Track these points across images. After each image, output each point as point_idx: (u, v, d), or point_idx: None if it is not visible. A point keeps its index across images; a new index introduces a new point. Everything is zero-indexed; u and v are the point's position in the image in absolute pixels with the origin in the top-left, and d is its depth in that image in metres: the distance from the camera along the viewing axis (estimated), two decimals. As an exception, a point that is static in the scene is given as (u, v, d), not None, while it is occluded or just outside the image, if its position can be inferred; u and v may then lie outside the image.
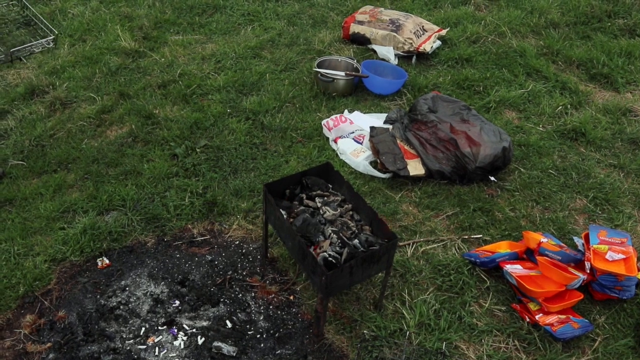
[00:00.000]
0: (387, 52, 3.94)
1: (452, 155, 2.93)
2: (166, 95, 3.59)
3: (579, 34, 4.33)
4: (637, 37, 4.29)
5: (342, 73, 3.63)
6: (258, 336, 2.21)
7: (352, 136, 3.18)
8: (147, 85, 3.68)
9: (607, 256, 2.30)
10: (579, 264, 2.37)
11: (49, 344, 2.16)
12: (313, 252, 2.07)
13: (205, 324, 2.24)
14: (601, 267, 2.26)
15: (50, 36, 2.68)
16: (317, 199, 2.32)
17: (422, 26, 4.11)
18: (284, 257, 2.53)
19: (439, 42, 4.07)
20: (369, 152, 3.08)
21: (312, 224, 2.19)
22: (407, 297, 2.36)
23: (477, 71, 3.86)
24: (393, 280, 2.42)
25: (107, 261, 2.49)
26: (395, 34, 3.97)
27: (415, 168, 2.93)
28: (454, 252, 2.57)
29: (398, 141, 3.06)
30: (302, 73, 3.83)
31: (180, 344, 2.16)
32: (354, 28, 4.13)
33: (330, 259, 2.06)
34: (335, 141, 3.18)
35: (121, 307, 2.30)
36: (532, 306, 2.28)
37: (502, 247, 2.52)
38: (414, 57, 3.98)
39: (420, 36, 4.01)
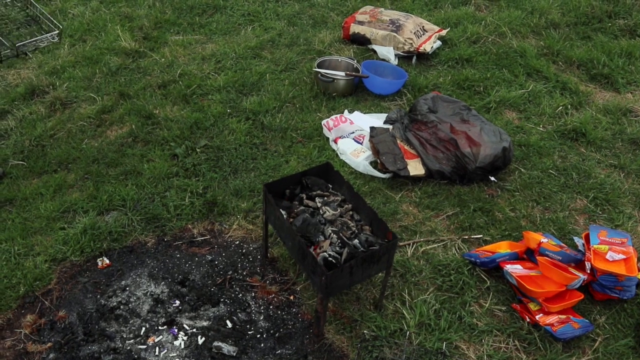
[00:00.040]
0: (387, 53, 3.94)
1: (452, 155, 2.93)
2: (166, 96, 3.60)
3: (580, 35, 4.33)
4: (638, 38, 4.29)
5: (342, 73, 3.63)
6: (258, 336, 2.21)
7: (352, 136, 3.18)
8: (147, 85, 3.68)
9: (607, 256, 2.30)
10: (579, 264, 2.37)
11: (49, 344, 2.16)
12: (313, 252, 2.07)
13: (205, 323, 2.24)
14: (601, 267, 2.26)
15: (55, 31, 2.69)
16: (317, 199, 2.32)
17: (423, 26, 4.11)
18: (284, 257, 2.53)
19: (439, 43, 4.07)
20: (369, 152, 3.08)
21: (312, 224, 2.19)
22: (407, 297, 2.35)
23: (477, 71, 3.86)
24: (393, 280, 2.42)
25: (108, 261, 2.49)
26: (395, 34, 3.97)
27: (415, 168, 2.93)
28: (454, 252, 2.57)
29: (398, 141, 3.06)
30: (302, 73, 3.83)
31: (180, 343, 2.16)
32: (354, 28, 4.13)
33: (330, 259, 2.06)
34: (335, 141, 3.18)
35: (121, 307, 2.30)
36: (532, 306, 2.28)
37: (503, 247, 2.52)
38: (414, 57, 3.98)
39: (421, 36, 4.02)
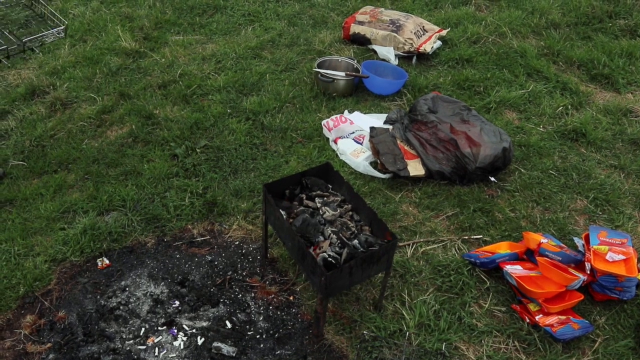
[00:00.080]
0: (387, 53, 3.94)
1: (452, 155, 2.93)
2: (166, 96, 3.60)
3: (580, 35, 4.33)
4: (638, 38, 4.29)
5: (343, 73, 3.63)
6: (258, 337, 2.21)
7: (352, 136, 3.18)
8: (147, 85, 3.69)
9: (607, 257, 2.29)
10: (579, 265, 2.37)
11: (49, 345, 2.16)
12: (313, 253, 2.07)
13: (205, 324, 2.24)
14: (601, 268, 2.25)
15: (61, 26, 2.71)
16: (316, 200, 2.32)
17: (423, 26, 4.11)
18: (283, 258, 2.53)
19: (439, 43, 4.07)
20: (369, 153, 3.08)
21: (312, 224, 2.19)
22: (406, 297, 2.35)
23: (477, 72, 3.86)
24: (393, 280, 2.42)
25: (107, 261, 2.49)
26: (395, 35, 3.97)
27: (415, 168, 2.93)
28: (453, 253, 2.57)
29: (398, 141, 3.06)
30: (303, 73, 3.83)
31: (180, 344, 2.16)
32: (355, 28, 4.13)
33: (330, 259, 2.06)
34: (335, 141, 3.18)
35: (121, 307, 2.30)
36: (532, 307, 2.28)
37: (502, 248, 2.51)
38: (414, 57, 3.98)
39: (421, 36, 4.01)
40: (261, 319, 2.28)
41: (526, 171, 3.06)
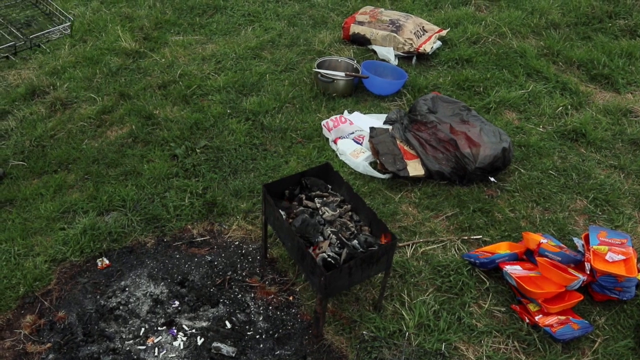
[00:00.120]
0: (387, 53, 3.94)
1: (451, 155, 2.93)
2: (166, 96, 3.60)
3: (580, 35, 4.33)
4: (638, 38, 4.29)
5: (342, 74, 3.63)
6: (257, 337, 2.21)
7: (351, 137, 3.18)
8: (147, 85, 3.69)
9: (607, 257, 2.29)
10: (579, 265, 2.37)
11: (48, 345, 2.16)
12: (312, 253, 2.07)
13: (204, 324, 2.24)
14: (601, 268, 2.25)
15: (67, 23, 2.72)
16: (316, 200, 2.32)
17: (423, 27, 4.11)
18: (283, 258, 2.53)
19: (439, 43, 4.07)
20: (368, 153, 3.08)
21: (311, 224, 2.19)
22: (406, 297, 2.35)
23: (477, 72, 3.86)
24: (392, 281, 2.42)
25: (107, 261, 2.49)
26: (395, 35, 3.97)
27: (415, 169, 2.93)
28: (453, 253, 2.57)
29: (398, 142, 3.06)
30: (302, 74, 3.83)
31: (179, 344, 2.16)
32: (354, 29, 4.13)
33: (330, 259, 2.06)
34: (335, 142, 3.18)
35: (121, 307, 2.30)
36: (531, 307, 2.28)
37: (502, 248, 2.51)
38: (414, 57, 3.98)
39: (421, 37, 4.01)
40: (261, 319, 2.28)
41: (526, 171, 3.06)
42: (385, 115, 3.36)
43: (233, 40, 4.22)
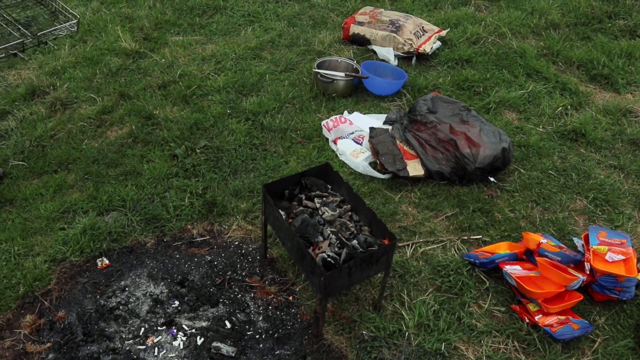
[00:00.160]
0: (386, 53, 3.95)
1: (451, 156, 2.93)
2: (166, 96, 3.60)
3: (579, 35, 4.33)
4: (638, 38, 4.29)
5: (342, 74, 3.63)
6: (257, 337, 2.21)
7: (351, 137, 3.19)
8: (147, 86, 3.69)
9: (606, 257, 2.29)
10: (579, 265, 2.37)
11: (48, 344, 2.16)
12: (312, 253, 2.07)
13: (204, 324, 2.24)
14: (601, 268, 2.25)
15: (74, 20, 2.75)
16: (316, 200, 2.33)
17: (422, 27, 4.11)
18: (283, 258, 2.53)
19: (439, 43, 4.08)
20: (368, 153, 3.08)
21: (311, 224, 2.19)
22: (406, 297, 2.35)
23: (477, 72, 3.86)
24: (392, 281, 2.42)
25: (107, 261, 2.50)
26: (395, 35, 3.97)
27: (414, 169, 2.93)
28: (453, 253, 2.57)
29: (397, 142, 3.07)
30: (302, 74, 3.83)
31: (179, 344, 2.16)
32: (354, 29, 4.13)
33: (329, 259, 2.06)
34: (334, 142, 3.19)
35: (121, 307, 2.30)
36: (531, 307, 2.28)
37: (502, 248, 2.51)
38: (414, 57, 3.98)
39: (420, 37, 4.02)
40: (260, 319, 2.28)
41: (526, 171, 3.06)
42: (385, 115, 3.36)
43: (233, 41, 4.22)
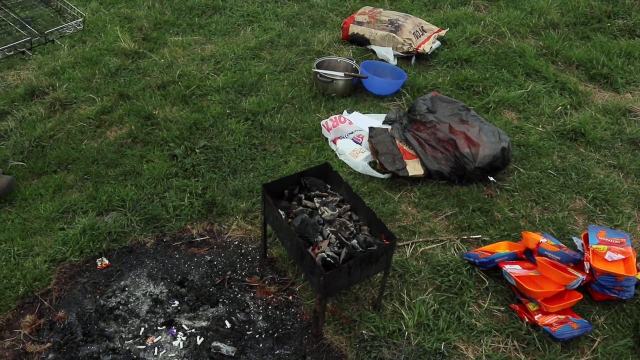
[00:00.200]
0: (386, 53, 3.95)
1: (451, 155, 2.93)
2: (166, 96, 3.60)
3: (579, 35, 4.34)
4: (637, 38, 4.30)
5: (341, 74, 3.63)
6: (257, 336, 2.21)
7: (351, 137, 3.19)
8: (146, 86, 3.69)
9: (606, 256, 2.29)
10: (578, 264, 2.37)
11: (48, 344, 2.16)
12: (311, 253, 2.07)
13: (204, 324, 2.24)
14: (600, 268, 2.26)
15: (80, 19, 2.78)
16: (315, 199, 2.33)
17: (422, 27, 4.11)
18: (282, 258, 2.53)
19: (438, 43, 4.08)
20: (368, 153, 3.08)
21: (311, 224, 2.19)
22: (406, 297, 2.36)
23: (476, 72, 3.86)
24: (392, 280, 2.42)
25: (107, 261, 2.50)
26: (394, 35, 3.97)
27: (414, 168, 2.93)
28: (453, 253, 2.57)
29: (397, 142, 3.07)
30: (302, 74, 3.84)
31: (179, 344, 2.16)
32: (353, 29, 4.13)
33: (329, 259, 2.06)
34: (334, 142, 3.19)
35: (120, 307, 2.30)
36: (531, 306, 2.28)
37: (501, 248, 2.52)
38: (413, 57, 3.98)
39: (420, 37, 4.02)
40: (260, 318, 2.28)
41: (525, 171, 3.06)
42: (385, 115, 3.36)
43: (232, 41, 4.22)
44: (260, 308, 2.32)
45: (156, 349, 2.14)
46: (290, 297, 2.37)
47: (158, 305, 2.31)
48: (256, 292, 2.39)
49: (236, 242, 2.63)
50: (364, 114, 3.42)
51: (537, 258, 2.34)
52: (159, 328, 2.22)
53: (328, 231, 2.19)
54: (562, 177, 3.03)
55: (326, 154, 3.14)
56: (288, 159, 3.10)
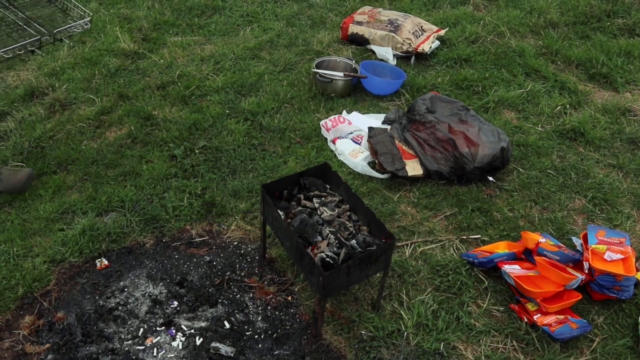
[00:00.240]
0: (385, 53, 3.95)
1: (450, 155, 2.93)
2: (165, 97, 3.60)
3: (578, 34, 4.33)
4: (637, 37, 4.29)
5: (341, 74, 3.63)
6: (256, 337, 2.21)
7: (350, 137, 3.19)
8: (146, 86, 3.69)
9: (605, 256, 2.29)
10: (578, 264, 2.37)
11: (47, 345, 2.16)
12: (310, 253, 2.07)
13: (203, 324, 2.24)
14: (600, 267, 2.25)
15: (87, 18, 2.81)
16: (314, 200, 2.33)
17: (421, 26, 4.11)
18: (282, 258, 2.53)
19: (437, 43, 4.08)
20: (367, 153, 3.08)
21: (310, 224, 2.19)
22: (405, 297, 2.36)
23: (475, 71, 3.86)
24: (391, 280, 2.42)
25: (106, 262, 2.50)
26: (393, 35, 3.97)
27: (413, 168, 2.93)
28: (452, 253, 2.57)
29: (396, 142, 3.07)
30: (301, 74, 3.84)
31: (178, 344, 2.16)
32: (353, 29, 4.13)
33: (328, 259, 2.06)
34: (333, 142, 3.19)
35: (120, 308, 2.30)
36: (530, 306, 2.28)
37: (501, 248, 2.52)
38: (413, 57, 3.98)
39: (419, 36, 4.02)
40: (259, 319, 2.28)
41: (524, 171, 3.06)
42: (384, 115, 3.36)
43: (232, 41, 4.22)
44: (260, 308, 2.32)
45: (155, 349, 2.15)
46: (290, 298, 2.37)
47: (157, 306, 2.31)
48: (255, 292, 2.39)
49: (235, 243, 2.63)
50: (363, 114, 3.42)
51: (536, 258, 2.34)
52: (158, 329, 2.22)
53: (327, 231, 2.19)
54: (561, 177, 3.03)
55: (325, 154, 3.14)
56: (287, 159, 3.10)
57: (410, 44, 3.94)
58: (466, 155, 2.89)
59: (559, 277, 2.26)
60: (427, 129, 3.07)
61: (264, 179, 2.95)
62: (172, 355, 2.13)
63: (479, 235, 2.66)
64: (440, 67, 3.95)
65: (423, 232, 2.67)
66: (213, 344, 2.15)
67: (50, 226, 2.67)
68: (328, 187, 2.43)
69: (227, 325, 2.24)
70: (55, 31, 2.70)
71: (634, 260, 2.32)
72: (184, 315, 2.28)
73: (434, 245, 2.60)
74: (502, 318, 2.30)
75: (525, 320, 2.27)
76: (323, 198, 2.35)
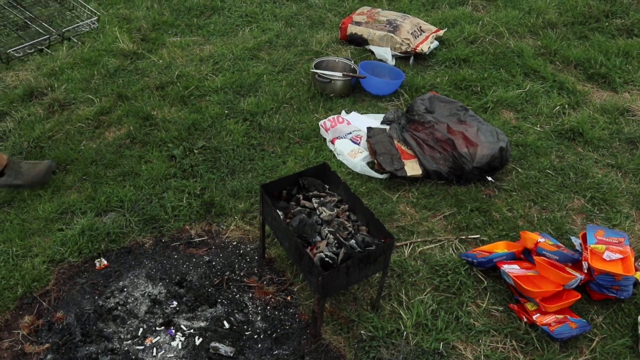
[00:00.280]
0: (384, 53, 3.95)
1: (449, 155, 2.93)
2: (164, 97, 3.60)
3: (577, 34, 4.34)
4: (635, 37, 4.30)
5: (340, 74, 3.63)
6: (255, 337, 2.21)
7: (349, 137, 3.19)
8: (145, 86, 3.69)
9: (604, 256, 2.30)
10: (577, 264, 2.37)
11: (47, 345, 2.16)
12: (310, 253, 2.07)
13: (202, 324, 2.24)
14: (599, 267, 2.26)
15: (95, 17, 2.83)
16: (313, 200, 2.33)
17: (420, 27, 4.12)
18: (281, 258, 2.53)
19: (436, 43, 4.08)
20: (366, 153, 3.08)
21: (309, 224, 2.19)
22: (404, 297, 2.36)
23: (474, 71, 3.87)
24: (390, 280, 2.42)
25: (105, 262, 2.50)
26: (392, 35, 3.97)
27: (412, 168, 2.93)
28: (451, 253, 2.57)
29: (395, 142, 3.07)
30: (300, 74, 3.84)
31: (177, 344, 2.16)
32: (352, 29, 4.14)
33: (327, 259, 2.06)
34: (332, 142, 3.19)
35: (119, 307, 2.30)
36: (529, 306, 2.28)
37: (500, 247, 2.52)
38: (412, 57, 3.99)
39: (418, 37, 4.02)
40: (259, 319, 2.28)
41: (523, 171, 3.07)
42: (383, 115, 3.36)
43: (231, 41, 4.22)
44: (259, 308, 2.32)
45: (155, 349, 2.14)
46: (289, 298, 2.37)
47: (156, 306, 2.31)
48: (255, 292, 2.39)
49: (234, 243, 2.63)
50: (362, 114, 3.42)
51: (536, 258, 2.35)
52: (157, 328, 2.22)
53: (326, 231, 2.19)
54: (560, 177, 3.04)
55: (324, 154, 3.14)
56: (286, 159, 3.10)
57: (409, 44, 3.94)
58: (465, 155, 2.89)
59: (558, 277, 2.27)
60: (426, 129, 3.07)
61: (263, 179, 2.95)
62: (172, 355, 2.13)
63: (478, 235, 2.66)
64: (439, 67, 3.96)
65: (422, 232, 2.67)
66: (212, 344, 2.15)
67: (50, 226, 2.67)
68: (327, 187, 2.44)
69: (227, 325, 2.24)
70: (63, 30, 2.72)
71: (632, 259, 2.33)
72: (184, 315, 2.28)
73: (433, 245, 2.61)
74: (502, 318, 2.31)
75: (525, 320, 2.27)
76: (322, 198, 2.35)
